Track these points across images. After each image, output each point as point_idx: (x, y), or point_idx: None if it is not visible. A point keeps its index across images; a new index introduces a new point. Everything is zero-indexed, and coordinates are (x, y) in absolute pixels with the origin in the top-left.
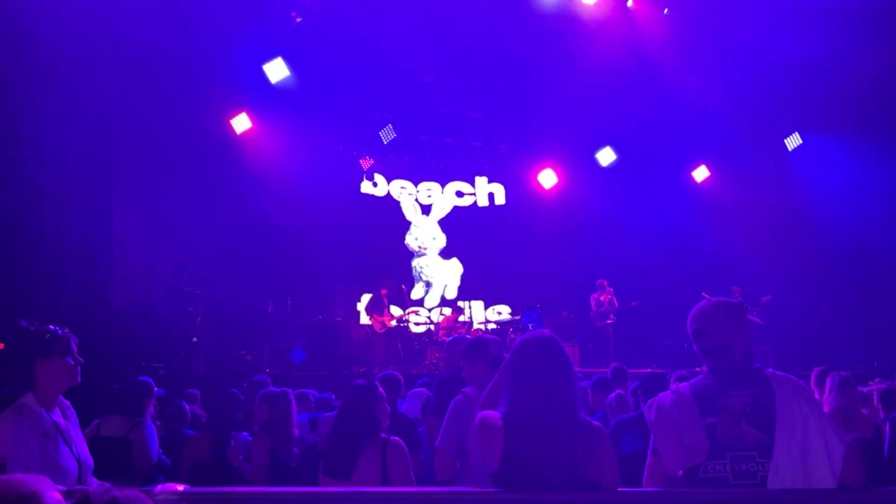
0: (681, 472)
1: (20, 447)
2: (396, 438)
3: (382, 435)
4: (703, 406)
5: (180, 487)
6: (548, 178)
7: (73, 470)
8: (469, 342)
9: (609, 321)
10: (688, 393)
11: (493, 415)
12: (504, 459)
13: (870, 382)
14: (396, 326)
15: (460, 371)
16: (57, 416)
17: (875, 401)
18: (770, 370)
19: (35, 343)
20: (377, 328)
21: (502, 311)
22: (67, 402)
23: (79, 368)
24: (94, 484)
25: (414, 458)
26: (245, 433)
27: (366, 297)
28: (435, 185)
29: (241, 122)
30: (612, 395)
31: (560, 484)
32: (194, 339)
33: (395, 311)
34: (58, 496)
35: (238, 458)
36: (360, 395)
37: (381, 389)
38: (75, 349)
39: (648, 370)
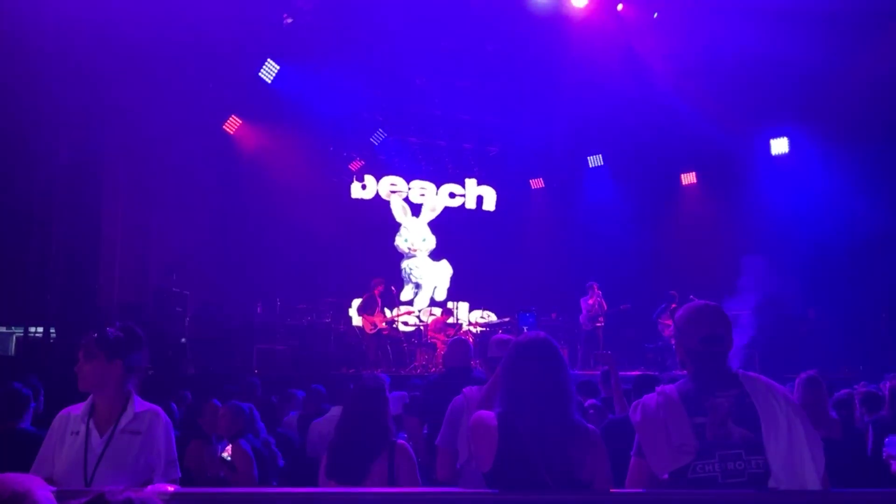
0: (667, 474)
1: (50, 434)
2: (403, 442)
3: (392, 437)
4: (690, 406)
5: (171, 488)
6: (537, 182)
7: (75, 469)
8: (478, 341)
9: (598, 324)
10: (675, 394)
11: (488, 415)
12: (498, 460)
13: (855, 386)
14: (386, 327)
15: (450, 373)
16: (99, 421)
17: (857, 403)
18: (739, 370)
19: None
20: (367, 329)
21: (485, 316)
22: (149, 410)
23: (79, 374)
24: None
25: None
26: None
27: (356, 302)
28: (429, 185)
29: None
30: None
31: (553, 485)
32: (183, 340)
33: (387, 312)
34: (48, 494)
35: (215, 469)
36: (368, 397)
37: (387, 392)
38: (79, 355)
39: (638, 372)
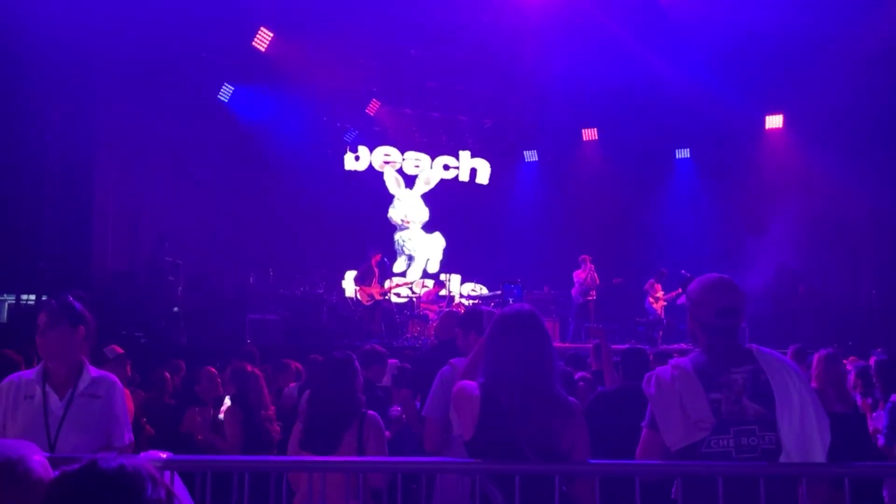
0: (679, 447)
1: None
2: (373, 413)
3: (361, 409)
4: (705, 381)
5: (163, 455)
6: (531, 154)
7: (35, 432)
8: (464, 313)
9: (590, 297)
10: (689, 368)
11: (471, 385)
12: (479, 429)
13: (843, 361)
14: (382, 299)
15: (441, 345)
16: (55, 385)
17: (852, 378)
18: (754, 346)
19: None
20: (364, 300)
21: (477, 288)
22: (105, 376)
23: (40, 343)
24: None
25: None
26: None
27: (350, 275)
28: (424, 157)
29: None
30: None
31: (532, 455)
32: (175, 309)
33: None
34: (43, 460)
35: (206, 433)
36: (338, 370)
37: (356, 363)
38: (40, 322)
39: (627, 346)
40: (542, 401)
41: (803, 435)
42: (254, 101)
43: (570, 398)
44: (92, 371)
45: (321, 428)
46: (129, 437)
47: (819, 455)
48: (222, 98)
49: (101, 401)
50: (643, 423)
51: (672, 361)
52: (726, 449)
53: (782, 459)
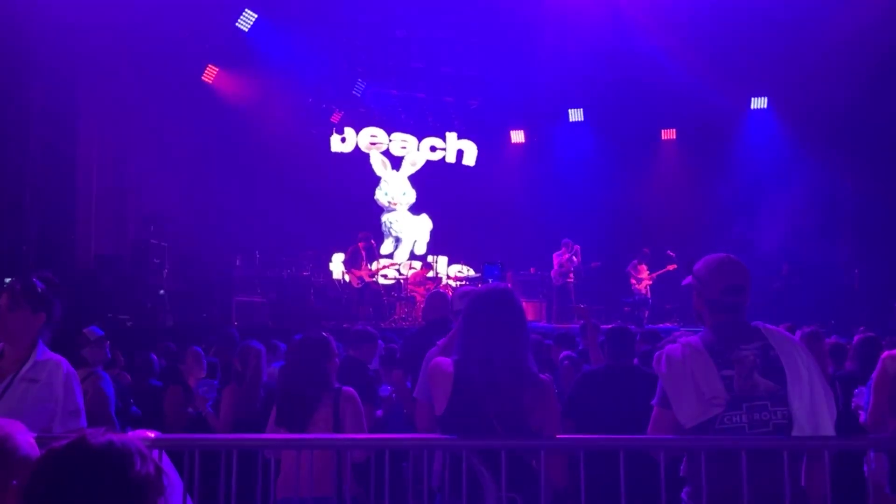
0: (693, 424)
1: None
2: (349, 388)
3: (335, 385)
4: (716, 359)
5: (151, 434)
6: (517, 135)
7: None
8: (456, 294)
9: (569, 279)
10: (700, 346)
11: (445, 361)
12: (450, 404)
13: (826, 340)
14: (372, 281)
15: (429, 326)
16: (2, 369)
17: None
18: (760, 323)
19: None
20: (355, 283)
21: (463, 270)
22: (51, 359)
23: None
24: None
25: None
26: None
27: (337, 257)
28: (410, 138)
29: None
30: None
31: (503, 430)
32: (161, 292)
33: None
34: (29, 439)
35: (204, 407)
36: (310, 349)
37: (332, 344)
38: (1, 303)
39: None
40: (512, 377)
41: (813, 409)
42: (238, 83)
43: (542, 374)
44: (39, 354)
45: (292, 404)
46: (79, 422)
47: (828, 428)
48: (207, 80)
49: (39, 385)
50: (653, 402)
51: (681, 340)
52: (740, 424)
53: (795, 433)
